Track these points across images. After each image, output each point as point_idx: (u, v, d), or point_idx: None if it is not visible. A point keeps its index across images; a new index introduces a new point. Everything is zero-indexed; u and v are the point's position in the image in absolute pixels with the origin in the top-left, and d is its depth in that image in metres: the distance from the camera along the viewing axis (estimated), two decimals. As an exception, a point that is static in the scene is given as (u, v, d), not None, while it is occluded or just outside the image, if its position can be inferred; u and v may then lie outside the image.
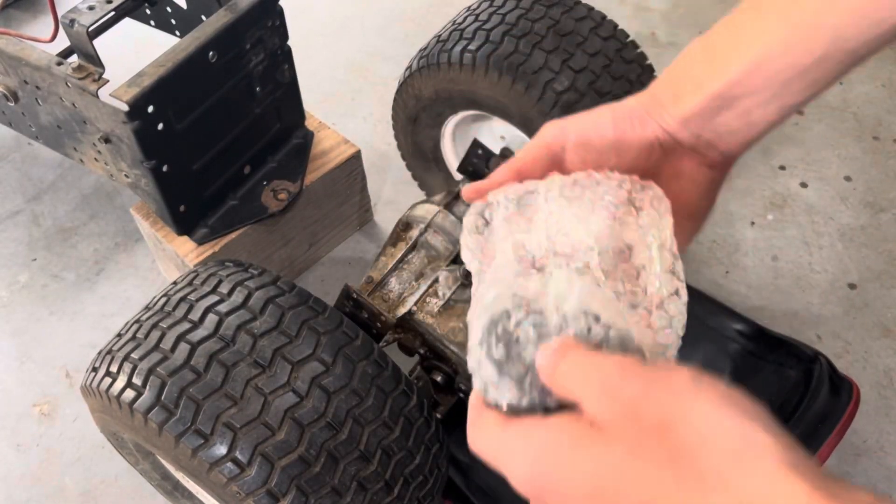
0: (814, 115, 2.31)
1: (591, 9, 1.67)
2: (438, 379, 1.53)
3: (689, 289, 1.65)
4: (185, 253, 1.73)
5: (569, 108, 1.53)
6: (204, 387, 1.11)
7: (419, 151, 1.90)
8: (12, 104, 1.70)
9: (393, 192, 2.20)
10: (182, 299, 1.23)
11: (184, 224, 1.72)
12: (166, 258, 1.88)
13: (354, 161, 1.95)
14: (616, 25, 1.66)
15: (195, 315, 1.19)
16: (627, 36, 1.67)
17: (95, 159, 1.68)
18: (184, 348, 1.15)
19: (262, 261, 1.88)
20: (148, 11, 1.96)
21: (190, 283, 1.27)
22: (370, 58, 2.60)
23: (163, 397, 1.10)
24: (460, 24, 1.67)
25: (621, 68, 1.61)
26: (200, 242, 1.75)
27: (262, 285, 1.23)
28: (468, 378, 1.52)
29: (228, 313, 1.18)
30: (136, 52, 2.47)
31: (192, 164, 1.65)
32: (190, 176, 1.66)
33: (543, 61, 1.54)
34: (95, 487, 1.68)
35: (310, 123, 1.96)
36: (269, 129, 1.84)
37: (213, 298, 1.21)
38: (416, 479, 1.23)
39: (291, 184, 1.85)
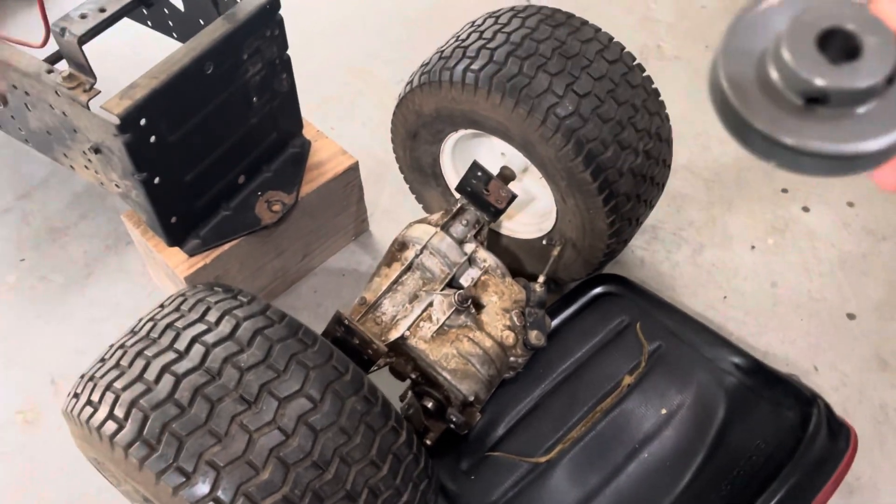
0: (819, 137, 2.27)
1: (598, 30, 1.63)
2: (429, 405, 1.50)
3: (685, 316, 1.62)
4: (175, 264, 1.70)
5: (571, 134, 1.49)
6: (187, 422, 1.08)
7: (418, 166, 1.87)
8: (1, 107, 1.66)
9: (391, 201, 2.17)
10: (169, 326, 1.20)
11: (175, 235, 1.68)
12: (157, 266, 1.85)
13: (352, 173, 1.91)
14: (623, 48, 1.62)
15: (181, 344, 1.16)
16: (634, 59, 1.63)
17: (86, 167, 1.65)
18: (168, 380, 1.12)
19: (254, 272, 1.85)
20: (145, 12, 1.92)
21: (177, 309, 1.24)
22: (371, 59, 2.56)
23: (144, 432, 1.08)
24: (464, 40, 1.63)
25: (626, 93, 1.57)
26: (192, 254, 1.71)
27: (250, 315, 1.20)
28: (460, 406, 1.50)
29: (215, 344, 1.15)
30: (134, 50, 2.42)
31: (184, 176, 1.61)
32: (182, 187, 1.62)
33: (547, 84, 1.51)
34: (77, 500, 1.65)
35: (307, 132, 1.93)
36: (265, 139, 1.80)
37: (201, 327, 1.18)
38: (403, 516, 1.21)
39: (286, 195, 1.81)
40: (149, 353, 1.17)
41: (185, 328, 1.19)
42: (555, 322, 1.72)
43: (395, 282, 1.58)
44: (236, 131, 1.70)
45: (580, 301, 1.76)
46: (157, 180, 1.54)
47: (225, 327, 1.18)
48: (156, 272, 1.92)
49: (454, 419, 1.43)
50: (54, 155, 1.71)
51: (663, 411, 1.58)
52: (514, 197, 1.64)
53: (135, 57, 2.32)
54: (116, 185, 1.61)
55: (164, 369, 1.13)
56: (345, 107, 2.42)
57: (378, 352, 1.40)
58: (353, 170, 1.91)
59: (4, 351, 1.88)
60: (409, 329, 1.51)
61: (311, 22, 2.67)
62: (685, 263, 2.02)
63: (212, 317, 1.20)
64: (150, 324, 1.24)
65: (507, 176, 1.76)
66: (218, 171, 1.70)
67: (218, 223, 1.75)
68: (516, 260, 1.89)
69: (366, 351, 1.42)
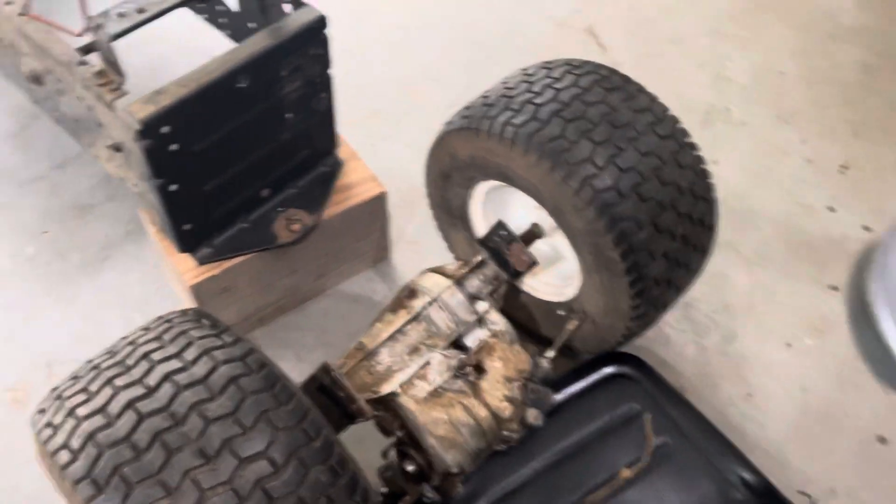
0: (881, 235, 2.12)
1: (654, 99, 1.52)
2: (410, 468, 1.43)
3: (699, 415, 1.51)
4: (183, 271, 1.66)
5: (605, 209, 1.40)
6: (139, 469, 1.03)
7: (447, 206, 1.79)
8: (38, 87, 1.63)
9: (418, 232, 2.09)
10: (145, 355, 1.15)
11: (186, 242, 1.64)
12: (167, 266, 1.81)
13: (378, 202, 1.84)
14: (677, 123, 1.52)
15: (152, 379, 1.11)
16: (687, 136, 1.52)
17: (108, 160, 1.61)
18: (130, 418, 1.07)
19: (264, 287, 1.80)
20: (202, 5, 1.88)
21: (159, 337, 1.19)
22: (427, 79, 2.48)
23: (95, 470, 1.03)
24: (510, 89, 1.54)
25: (673, 173, 1.47)
26: (202, 262, 1.67)
27: (230, 359, 1.14)
28: (442, 475, 1.42)
29: (187, 386, 1.10)
30: (185, 42, 2.39)
31: (204, 185, 1.57)
32: (200, 196, 1.58)
33: (589, 153, 1.41)
34: (46, 492, 1.63)
35: (342, 151, 1.87)
36: (296, 155, 1.74)
37: (175, 364, 1.13)
38: None
39: (308, 215, 1.76)
40: (119, 382, 1.12)
41: (160, 361, 1.14)
42: (559, 396, 1.63)
43: (398, 331, 1.50)
44: (265, 146, 1.65)
45: (590, 378, 1.66)
46: (173, 187, 1.49)
47: (200, 368, 1.13)
48: (167, 271, 1.89)
49: (427, 498, 1.36)
50: (81, 142, 1.69)
51: (658, 515, 1.48)
52: (534, 263, 1.56)
53: (191, 43, 2.28)
54: (134, 185, 1.57)
55: (129, 405, 1.08)
56: (391, 125, 2.36)
57: (361, 410, 1.34)
58: (381, 199, 1.84)
59: (7, 324, 1.87)
60: (402, 385, 1.44)
61: (374, 29, 2.61)
62: (713, 350, 1.90)
63: (190, 354, 1.15)
64: (128, 348, 1.19)
65: (535, 233, 1.67)
66: (241, 184, 1.65)
67: (234, 235, 1.71)
68: (532, 319, 1.80)
69: (349, 406, 1.35)
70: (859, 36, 2.64)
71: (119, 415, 1.07)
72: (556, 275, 1.77)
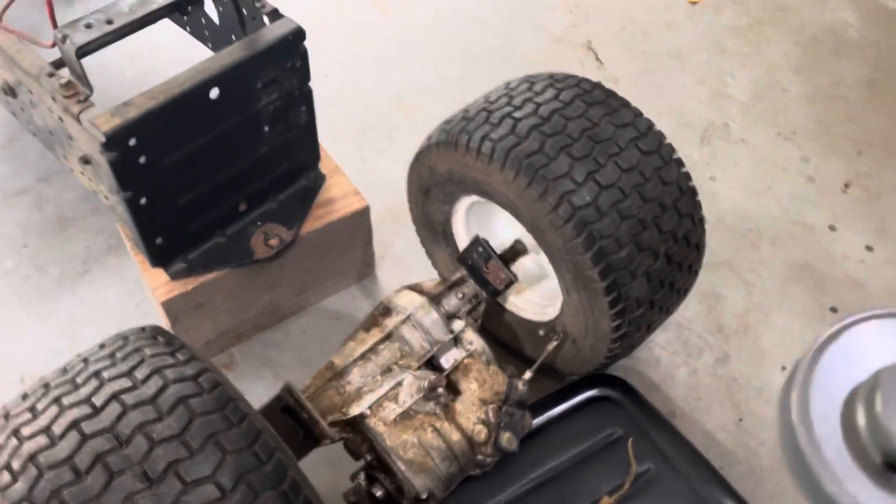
0: (884, 254, 2.05)
1: (638, 115, 1.48)
2: (378, 494, 1.38)
3: (684, 442, 1.44)
4: (155, 286, 1.63)
5: (584, 227, 1.35)
6: (78, 493, 0.98)
7: (428, 222, 1.74)
8: (11, 99, 1.62)
9: (405, 248, 2.05)
10: (95, 374, 1.11)
11: (159, 257, 1.61)
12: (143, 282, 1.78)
13: (361, 216, 1.81)
14: (663, 139, 1.47)
15: (99, 399, 1.07)
16: (673, 152, 1.47)
17: (81, 173, 1.59)
18: (73, 438, 1.02)
19: (241, 304, 1.76)
20: (184, 18, 1.86)
21: (111, 355, 1.15)
22: (421, 94, 2.45)
23: (33, 494, 0.99)
24: (491, 102, 1.50)
25: (656, 189, 1.42)
26: (174, 278, 1.64)
27: (180, 378, 1.10)
28: (411, 501, 1.37)
29: (134, 406, 1.05)
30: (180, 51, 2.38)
31: (177, 199, 1.54)
32: (173, 210, 1.54)
33: (567, 168, 1.37)
34: (14, 511, 1.59)
35: (325, 165, 1.83)
36: (275, 169, 1.71)
37: (124, 384, 1.08)
38: None
39: (286, 230, 1.72)
40: (65, 401, 1.08)
41: (109, 380, 1.10)
42: (539, 419, 1.57)
43: (370, 350, 1.46)
44: (242, 159, 1.62)
45: (572, 401, 1.60)
46: (143, 201, 1.46)
47: (149, 388, 1.09)
48: (146, 286, 1.86)
49: (393, 522, 1.31)
50: (56, 154, 1.67)
51: (638, 546, 1.41)
52: (512, 282, 1.50)
53: (186, 55, 2.27)
54: (105, 198, 1.55)
55: (73, 425, 1.04)
56: (382, 139, 2.32)
57: (324, 434, 1.29)
58: (363, 214, 1.80)
59: (-17, 338, 1.84)
60: (371, 407, 1.39)
61: (368, 44, 2.59)
62: (705, 373, 1.83)
63: (140, 373, 1.11)
64: (80, 365, 1.15)
65: (518, 250, 1.62)
66: (216, 198, 1.62)
67: (209, 249, 1.67)
68: (515, 339, 1.74)
69: (313, 428, 1.31)
70: (863, 52, 2.58)
71: (62, 435, 1.03)
72: (540, 293, 1.72)
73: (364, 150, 2.28)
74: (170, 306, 1.63)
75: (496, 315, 1.75)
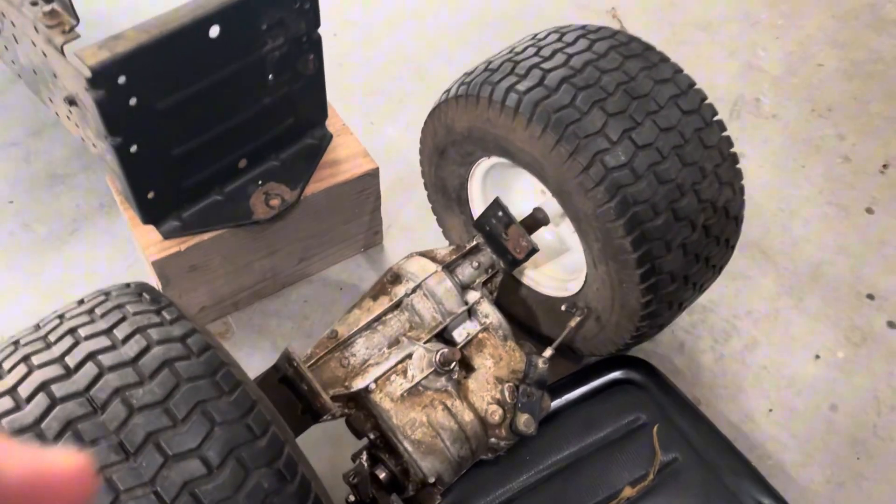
0: (925, 241, 1.93)
1: (678, 71, 1.35)
2: (382, 476, 1.26)
3: (713, 430, 1.32)
4: (146, 245, 1.50)
5: (617, 190, 1.22)
6: (44, 463, 0.86)
7: (442, 187, 1.62)
8: (-5, 35, 1.49)
9: (413, 217, 1.93)
10: (71, 331, 0.99)
11: (150, 212, 1.48)
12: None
13: (369, 179, 1.68)
14: (704, 99, 1.34)
15: (73, 359, 0.95)
16: (715, 113, 1.34)
17: (67, 117, 1.46)
18: (41, 401, 0.90)
19: (239, 268, 1.64)
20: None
21: (91, 311, 1.03)
22: (435, 59, 2.32)
23: (-7, 462, 0.87)
24: (517, 53, 1.37)
25: (697, 153, 1.29)
26: (167, 236, 1.51)
27: (166, 339, 0.98)
28: (417, 484, 1.25)
29: (112, 368, 0.93)
30: None
31: (171, 149, 1.41)
32: (166, 161, 1.42)
33: (601, 125, 1.24)
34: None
35: (332, 124, 1.70)
36: (279, 123, 1.58)
37: (103, 342, 0.96)
38: None
39: (289, 190, 1.59)
40: (35, 360, 0.96)
41: (86, 338, 0.98)
42: (557, 402, 1.45)
43: (377, 319, 1.34)
44: (244, 110, 1.49)
45: (593, 383, 1.48)
46: (134, 148, 1.34)
47: (130, 349, 0.96)
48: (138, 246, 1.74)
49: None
50: (41, 97, 1.54)
51: (662, 542, 1.29)
52: (534, 250, 1.38)
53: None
54: (94, 145, 1.42)
55: (42, 387, 0.92)
56: (393, 104, 2.19)
57: (325, 407, 1.17)
58: (372, 176, 1.67)
59: (-38, 296, 1.72)
60: (377, 381, 1.27)
61: (381, 4, 2.45)
62: (732, 359, 1.71)
63: (121, 331, 0.99)
64: (55, 321, 1.03)
65: (538, 219, 1.50)
66: (215, 151, 1.49)
67: (205, 208, 1.55)
68: (532, 316, 1.62)
69: (313, 402, 1.18)
70: (904, 29, 2.44)
71: (30, 398, 0.91)
72: (561, 267, 1.59)
73: (373, 114, 2.15)
74: (161, 267, 1.51)
75: (512, 290, 1.63)
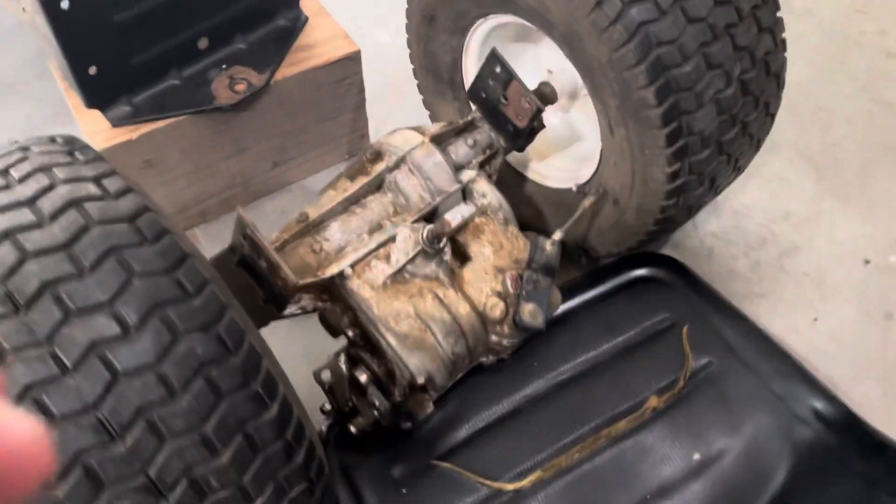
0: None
1: None
2: (363, 378, 1.06)
3: (754, 329, 1.11)
4: (90, 133, 1.30)
5: (637, 28, 1.01)
6: None
7: (433, 66, 1.41)
8: None
9: (404, 123, 1.71)
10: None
11: (95, 94, 1.29)
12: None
13: (350, 65, 1.47)
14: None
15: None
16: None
17: (-5, -18, 1.26)
18: None
19: (202, 168, 1.44)
20: None
21: (5, 172, 0.82)
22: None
23: None
24: None
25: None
26: (116, 124, 1.31)
27: (73, 178, 0.78)
28: (405, 388, 1.05)
29: (37, 254, 0.72)
30: None
31: (112, 13, 1.21)
32: (108, 29, 1.22)
33: (617, -48, 1.03)
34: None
35: (307, 5, 1.50)
36: (245, -2, 1.38)
37: (23, 217, 0.74)
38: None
39: (256, 74, 1.39)
40: None
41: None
42: (571, 303, 1.25)
43: (355, 201, 1.13)
44: (201, -26, 1.28)
45: (612, 282, 1.28)
46: (65, 4, 1.13)
47: (28, 187, 0.76)
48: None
49: (376, 402, 0.98)
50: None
51: (696, 456, 1.09)
52: (538, 111, 1.17)
53: None
54: (24, 9, 1.22)
55: None
56: (382, 5, 1.98)
57: (287, 283, 0.96)
58: (352, 61, 1.47)
59: None
60: (354, 266, 1.06)
61: None
62: (769, 266, 1.50)
63: (19, 170, 0.79)
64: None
65: (544, 94, 1.28)
66: (168, 24, 1.29)
67: (160, 92, 1.35)
68: (539, 216, 1.41)
69: (274, 279, 0.98)
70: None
71: None
72: (571, 157, 1.39)
73: (361, 18, 1.94)
74: (110, 158, 1.30)
75: (515, 187, 1.42)
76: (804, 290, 1.47)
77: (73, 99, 1.34)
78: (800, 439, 1.07)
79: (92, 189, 0.77)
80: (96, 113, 1.31)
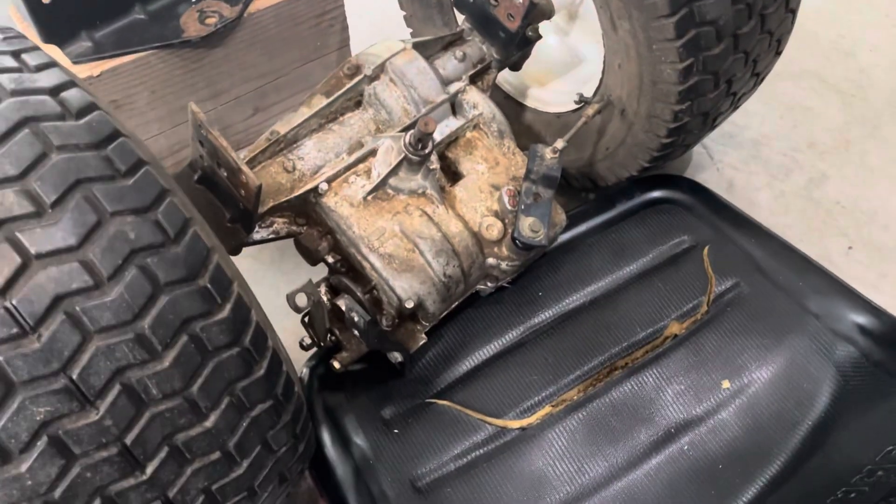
0: None
1: None
2: (343, 304, 0.93)
3: (783, 245, 0.97)
4: (49, 70, 1.20)
5: None
6: None
7: (418, -9, 1.30)
8: None
9: (395, 69, 1.61)
10: None
11: (51, 26, 1.19)
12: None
13: (330, -3, 1.37)
14: None
15: None
16: None
17: None
18: None
19: (175, 111, 1.33)
20: None
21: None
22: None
23: None
24: None
25: None
26: (76, 60, 1.21)
27: (34, 90, 0.67)
28: (393, 315, 0.93)
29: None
30: None
31: (64, -67, 1.11)
32: (61, -49, 1.12)
33: None
34: None
35: (284, -60, 1.39)
36: (212, -75, 1.28)
37: None
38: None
39: (228, 7, 1.29)
40: None
41: None
42: (578, 229, 1.13)
43: (331, 118, 1.02)
44: None
45: (623, 205, 1.16)
46: (8, -82, 1.04)
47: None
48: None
49: (355, 318, 0.86)
50: None
51: (725, 385, 0.96)
52: (532, 6, 1.05)
53: None
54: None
55: None
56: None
57: (249, 187, 0.84)
58: (333, -7, 1.36)
59: None
60: (330, 182, 0.95)
61: None
62: (795, 195, 1.37)
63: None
64: None
65: (539, 8, 1.17)
66: (129, -50, 1.19)
67: (123, 27, 1.25)
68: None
69: (236, 186, 0.87)
70: None
71: None
72: (573, 79, 1.27)
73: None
74: (70, 97, 1.20)
75: (513, 117, 1.31)
76: (835, 218, 1.34)
77: (31, 36, 1.24)
78: (843, 358, 0.95)
79: (9, 60, 0.67)
80: (55, 49, 1.21)
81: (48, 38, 1.20)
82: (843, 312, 0.99)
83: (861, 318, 0.97)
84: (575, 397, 0.97)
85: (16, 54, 0.72)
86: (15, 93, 0.66)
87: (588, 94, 1.17)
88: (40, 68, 0.70)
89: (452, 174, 1.03)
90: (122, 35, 1.24)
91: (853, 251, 1.29)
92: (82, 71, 1.21)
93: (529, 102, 1.30)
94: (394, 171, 0.95)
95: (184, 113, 1.35)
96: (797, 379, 0.94)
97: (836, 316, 0.99)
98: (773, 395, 0.94)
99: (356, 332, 0.88)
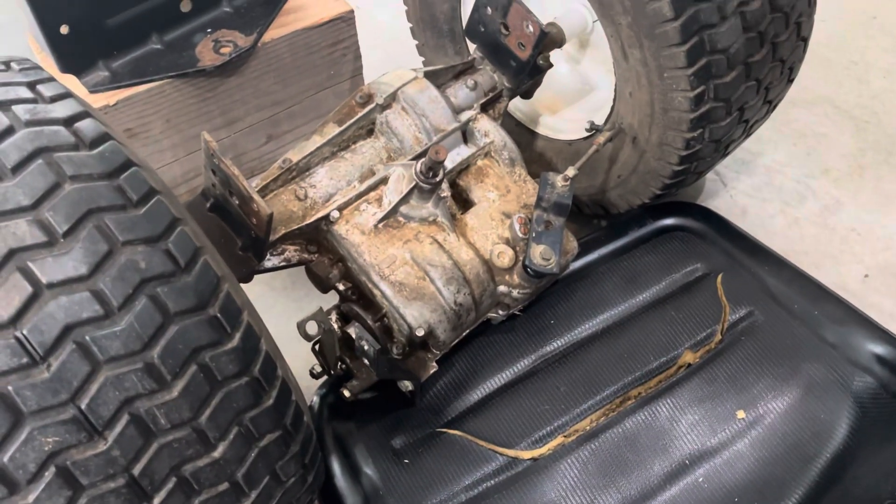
0: None
1: None
2: (353, 332, 0.93)
3: (797, 273, 0.95)
4: (66, 99, 1.22)
5: (647, -68, 0.90)
6: None
7: (431, 18, 1.32)
8: None
9: (408, 97, 1.62)
10: None
11: (69, 56, 1.20)
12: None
13: (343, 27, 1.38)
14: None
15: None
16: None
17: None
18: None
19: (189, 141, 1.35)
20: None
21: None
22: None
23: None
24: None
25: None
26: (93, 90, 1.23)
27: (49, 120, 0.68)
28: (404, 344, 0.92)
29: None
30: None
31: (83, -34, 1.13)
32: (80, -17, 1.14)
33: None
34: None
35: (298, -29, 1.41)
36: (228, -44, 1.30)
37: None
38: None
39: (243, 37, 1.30)
40: None
41: None
42: (590, 256, 1.12)
43: (343, 146, 1.03)
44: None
45: (635, 233, 1.15)
46: (29, -48, 1.06)
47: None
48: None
49: (365, 346, 0.86)
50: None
51: (740, 415, 0.95)
52: (542, 35, 1.06)
53: None
54: (-10, -33, 1.15)
55: None
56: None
57: (260, 215, 0.84)
58: (346, 22, 1.38)
59: None
60: (341, 209, 0.95)
61: None
62: (809, 223, 1.36)
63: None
64: None
65: (551, 37, 1.17)
66: (146, -18, 1.21)
67: (139, 57, 1.26)
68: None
69: (248, 215, 0.87)
70: None
71: None
72: (584, 107, 1.27)
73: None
74: (86, 126, 1.22)
75: (525, 144, 1.31)
76: (850, 246, 1.33)
77: (48, 67, 1.26)
78: (861, 389, 0.93)
79: (26, 91, 0.68)
80: (72, 79, 1.23)
81: (66, 67, 1.21)
82: (860, 342, 0.97)
83: (879, 348, 0.96)
84: (587, 427, 0.95)
85: (31, 85, 0.73)
86: (30, 123, 0.67)
87: (599, 121, 1.18)
88: (55, 99, 0.71)
89: (463, 202, 1.04)
90: (139, 64, 1.26)
91: (869, 279, 1.27)
92: (99, 100, 1.22)
93: (541, 130, 1.30)
94: (405, 199, 0.95)
95: (198, 141, 1.36)
96: (814, 410, 0.93)
97: (852, 346, 0.97)
98: (789, 426, 0.92)
99: (366, 361, 0.87)
